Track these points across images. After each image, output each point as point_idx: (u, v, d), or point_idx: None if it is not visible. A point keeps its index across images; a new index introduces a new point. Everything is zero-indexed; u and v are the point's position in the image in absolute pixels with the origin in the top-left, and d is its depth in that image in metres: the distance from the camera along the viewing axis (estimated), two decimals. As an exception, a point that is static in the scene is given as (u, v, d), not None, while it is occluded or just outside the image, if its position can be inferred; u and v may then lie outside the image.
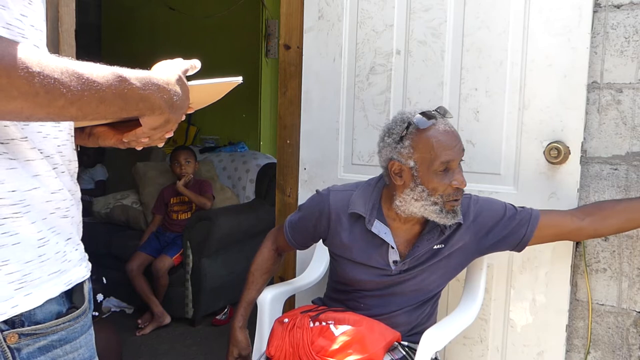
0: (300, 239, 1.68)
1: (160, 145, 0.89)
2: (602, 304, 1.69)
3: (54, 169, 0.74)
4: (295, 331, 1.49)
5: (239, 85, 0.88)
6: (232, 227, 3.33)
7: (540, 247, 1.64)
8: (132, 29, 5.02)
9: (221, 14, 4.46)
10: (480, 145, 1.78)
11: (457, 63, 1.80)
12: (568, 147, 1.63)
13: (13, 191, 0.68)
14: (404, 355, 1.50)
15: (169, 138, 0.86)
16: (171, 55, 0.94)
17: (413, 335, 1.55)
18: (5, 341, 0.67)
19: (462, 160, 1.46)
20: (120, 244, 3.47)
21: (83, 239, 0.82)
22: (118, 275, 3.24)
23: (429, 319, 1.61)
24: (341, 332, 1.44)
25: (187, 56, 0.90)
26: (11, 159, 0.68)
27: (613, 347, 1.69)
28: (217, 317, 3.30)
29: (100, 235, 3.50)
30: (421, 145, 1.42)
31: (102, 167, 4.34)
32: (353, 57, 1.99)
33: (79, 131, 0.90)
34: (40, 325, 0.71)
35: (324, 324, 1.49)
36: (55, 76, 0.61)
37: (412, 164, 1.43)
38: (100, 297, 3.05)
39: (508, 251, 1.58)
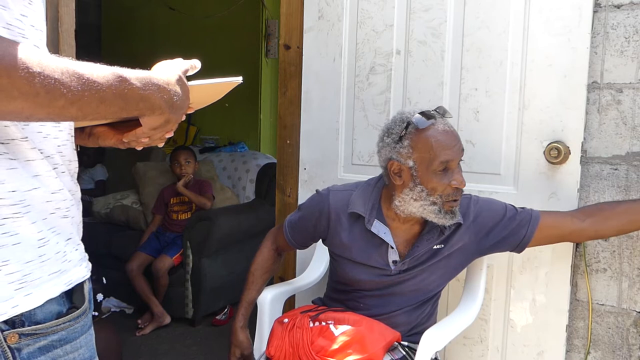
0: (299, 238, 1.68)
1: (160, 145, 0.89)
2: (602, 304, 1.69)
3: (54, 169, 0.74)
4: (295, 331, 1.49)
5: (239, 85, 0.88)
6: (232, 227, 3.33)
7: (540, 247, 1.64)
8: (132, 29, 5.02)
9: (221, 14, 4.46)
10: (480, 145, 1.78)
11: (457, 63, 1.80)
12: (568, 147, 1.63)
13: (13, 191, 0.68)
14: (403, 355, 1.50)
15: (169, 138, 0.86)
16: (171, 55, 0.94)
17: (413, 335, 1.55)
18: (5, 341, 0.67)
19: (461, 160, 1.46)
20: (120, 244, 3.47)
21: (83, 239, 0.83)
22: (118, 275, 3.24)
23: (429, 319, 1.61)
24: (341, 332, 1.44)
25: (187, 56, 0.90)
26: (11, 159, 0.68)
27: (613, 347, 1.69)
28: (217, 317, 3.30)
29: (100, 235, 3.50)
30: (420, 145, 1.42)
31: (102, 167, 4.34)
32: (353, 57, 1.99)
33: (79, 131, 0.90)
34: (40, 325, 0.71)
35: (323, 324, 1.49)
36: (56, 76, 0.61)
37: (411, 163, 1.43)
38: (100, 297, 3.05)
39: (508, 251, 1.58)
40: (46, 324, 0.72)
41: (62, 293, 0.74)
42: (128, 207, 3.71)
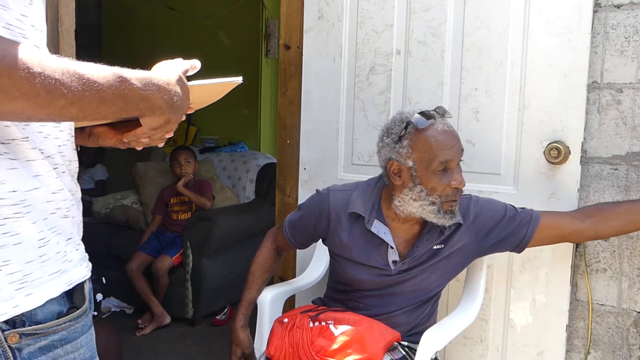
0: (299, 238, 1.68)
1: (161, 145, 0.89)
2: (602, 304, 1.69)
3: (55, 169, 0.74)
4: (295, 331, 1.49)
5: (239, 85, 0.88)
6: (232, 227, 3.33)
7: (541, 247, 1.64)
8: (132, 29, 5.02)
9: (221, 14, 4.46)
10: (480, 145, 1.78)
11: (457, 63, 1.80)
12: (568, 147, 1.64)
13: (14, 191, 0.68)
14: (403, 355, 1.50)
15: (169, 138, 0.87)
16: (171, 55, 0.94)
17: (413, 335, 1.55)
18: (6, 341, 0.67)
19: (461, 160, 1.46)
20: (120, 244, 3.47)
21: (83, 239, 0.83)
22: (118, 275, 3.24)
23: (429, 319, 1.61)
24: (341, 332, 1.44)
25: (187, 56, 0.90)
26: (12, 159, 0.68)
27: (613, 347, 1.69)
28: (217, 317, 3.30)
29: (100, 235, 3.50)
30: (420, 145, 1.42)
31: (102, 167, 4.35)
32: (353, 57, 1.99)
33: (79, 131, 0.90)
34: (41, 325, 0.71)
35: (323, 324, 1.49)
36: (56, 76, 0.61)
37: (410, 163, 1.43)
38: (99, 296, 3.06)
39: (508, 252, 1.58)
40: (47, 323, 0.72)
41: (63, 293, 0.74)
42: (128, 207, 3.71)
